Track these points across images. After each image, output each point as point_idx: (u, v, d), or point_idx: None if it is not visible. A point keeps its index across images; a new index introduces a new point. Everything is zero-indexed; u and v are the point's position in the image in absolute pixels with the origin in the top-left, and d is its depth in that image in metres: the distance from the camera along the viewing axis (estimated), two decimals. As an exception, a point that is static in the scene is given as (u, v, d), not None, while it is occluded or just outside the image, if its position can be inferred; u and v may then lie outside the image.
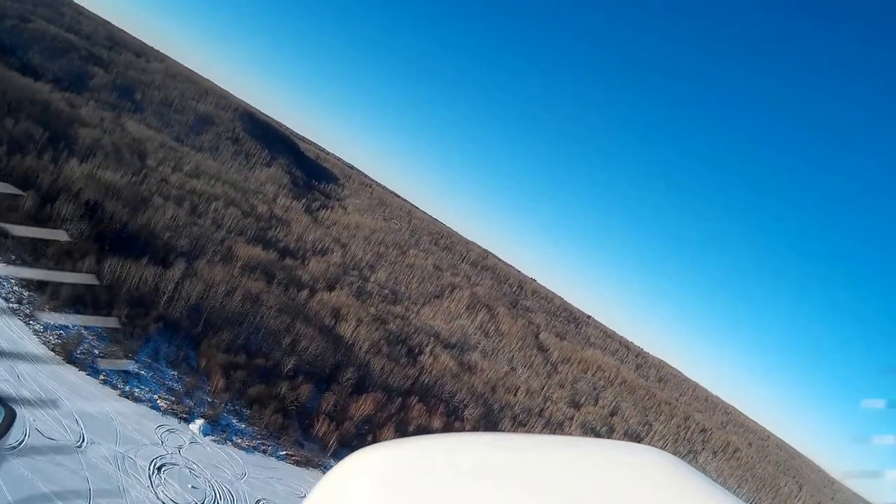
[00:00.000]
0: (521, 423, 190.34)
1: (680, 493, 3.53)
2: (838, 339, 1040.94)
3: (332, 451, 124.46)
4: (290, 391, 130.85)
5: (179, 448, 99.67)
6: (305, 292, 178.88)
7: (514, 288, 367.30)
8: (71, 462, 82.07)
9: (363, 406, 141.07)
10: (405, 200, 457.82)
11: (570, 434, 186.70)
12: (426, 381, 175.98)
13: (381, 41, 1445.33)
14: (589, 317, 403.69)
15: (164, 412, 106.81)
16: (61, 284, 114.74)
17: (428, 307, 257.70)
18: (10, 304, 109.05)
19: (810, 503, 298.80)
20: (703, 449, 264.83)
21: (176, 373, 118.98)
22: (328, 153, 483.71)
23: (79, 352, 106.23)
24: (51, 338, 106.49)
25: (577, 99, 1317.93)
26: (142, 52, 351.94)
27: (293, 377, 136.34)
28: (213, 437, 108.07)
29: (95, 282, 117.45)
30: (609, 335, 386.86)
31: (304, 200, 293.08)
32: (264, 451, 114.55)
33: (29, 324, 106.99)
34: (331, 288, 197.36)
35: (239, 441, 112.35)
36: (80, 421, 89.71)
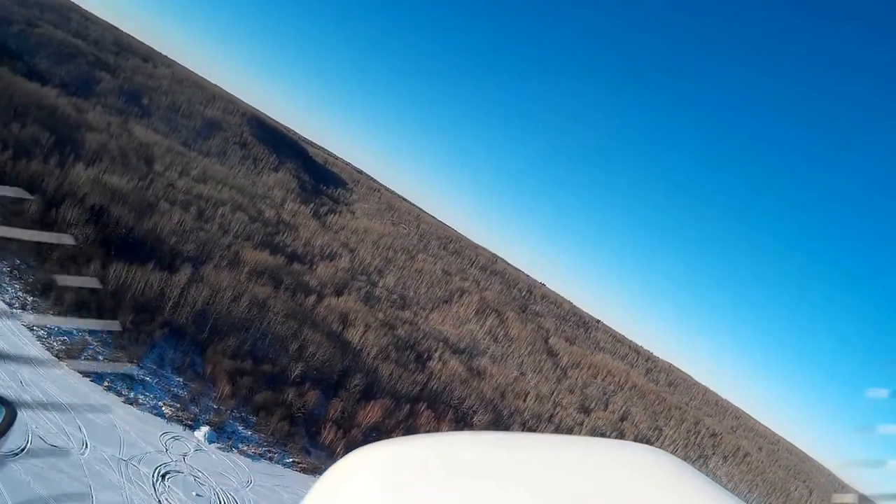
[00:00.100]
0: (530, 429, 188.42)
1: (680, 493, 3.50)
2: (845, 336, 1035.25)
3: (339, 458, 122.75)
4: (296, 398, 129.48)
5: (184, 455, 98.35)
6: (313, 297, 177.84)
7: (524, 293, 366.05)
8: (73, 469, 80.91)
9: (371, 413, 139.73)
10: (414, 205, 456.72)
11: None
12: (435, 386, 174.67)
13: (386, 45, 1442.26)
14: (598, 321, 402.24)
15: (169, 419, 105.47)
16: (66, 289, 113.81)
17: (437, 312, 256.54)
18: (14, 309, 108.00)
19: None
20: (714, 454, 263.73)
21: (181, 379, 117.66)
22: (336, 158, 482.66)
23: (83, 357, 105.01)
24: (55, 343, 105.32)
25: (582, 101, 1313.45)
26: (149, 57, 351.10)
27: (300, 383, 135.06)
28: (218, 445, 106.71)
29: (100, 286, 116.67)
30: (619, 339, 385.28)
31: (312, 205, 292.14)
32: (270, 459, 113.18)
33: (33, 329, 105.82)
34: (339, 293, 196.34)
35: (245, 448, 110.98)
36: (82, 427, 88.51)
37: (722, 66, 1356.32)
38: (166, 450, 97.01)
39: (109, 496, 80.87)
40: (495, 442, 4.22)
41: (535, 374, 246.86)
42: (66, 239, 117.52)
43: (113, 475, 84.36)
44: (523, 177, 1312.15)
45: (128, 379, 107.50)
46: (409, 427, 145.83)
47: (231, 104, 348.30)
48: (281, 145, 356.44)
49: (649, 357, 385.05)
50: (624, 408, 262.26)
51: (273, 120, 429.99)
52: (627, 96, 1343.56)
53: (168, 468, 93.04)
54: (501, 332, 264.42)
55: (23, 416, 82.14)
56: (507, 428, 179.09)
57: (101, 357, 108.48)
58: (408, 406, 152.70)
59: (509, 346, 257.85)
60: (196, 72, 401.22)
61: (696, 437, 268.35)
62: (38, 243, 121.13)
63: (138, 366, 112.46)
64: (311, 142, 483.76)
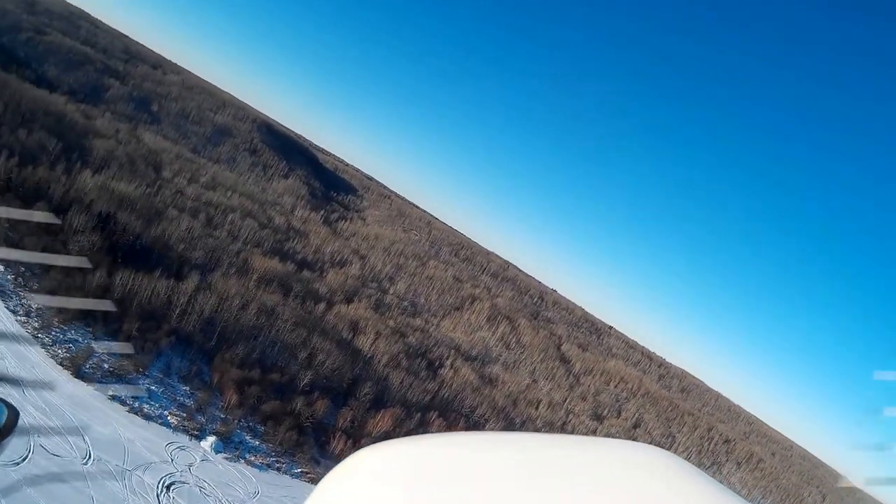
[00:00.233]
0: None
1: (684, 493, 3.47)
2: (857, 340, 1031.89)
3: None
4: (305, 407, 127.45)
5: (190, 466, 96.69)
6: (323, 305, 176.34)
7: (535, 299, 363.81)
8: (76, 480, 79.40)
9: (381, 422, 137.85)
10: (425, 211, 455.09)
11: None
12: (446, 395, 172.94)
13: (394, 51, 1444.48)
14: (611, 327, 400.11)
15: (175, 429, 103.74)
16: (71, 296, 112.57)
17: (448, 319, 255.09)
18: (18, 317, 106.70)
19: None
20: (727, 460, 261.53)
21: (188, 388, 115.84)
22: (347, 164, 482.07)
23: (87, 366, 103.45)
24: (59, 351, 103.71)
25: (590, 105, 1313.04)
26: (158, 64, 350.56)
27: (309, 392, 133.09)
28: (225, 455, 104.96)
29: (105, 292, 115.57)
30: (631, 346, 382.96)
31: (322, 212, 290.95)
32: (278, 469, 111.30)
33: (37, 337, 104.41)
34: (349, 300, 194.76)
35: (252, 458, 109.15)
36: (86, 437, 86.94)
37: (731, 63, 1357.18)
38: (171, 460, 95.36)
39: (113, 508, 79.70)
40: (499, 442, 4.20)
41: (547, 381, 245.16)
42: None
43: (116, 486, 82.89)
44: (534, 182, 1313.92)
45: (133, 387, 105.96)
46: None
47: (241, 110, 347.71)
48: (291, 152, 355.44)
49: (662, 363, 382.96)
50: (637, 415, 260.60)
51: (283, 126, 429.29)
52: (644, 103, 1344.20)
53: (173, 479, 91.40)
54: (513, 339, 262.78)
55: (25, 424, 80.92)
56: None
57: (106, 366, 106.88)
58: (419, 415, 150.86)
59: (521, 353, 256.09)
60: (206, 78, 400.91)
61: (709, 444, 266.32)
62: (45, 248, 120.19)
63: (144, 374, 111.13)
64: (322, 148, 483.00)
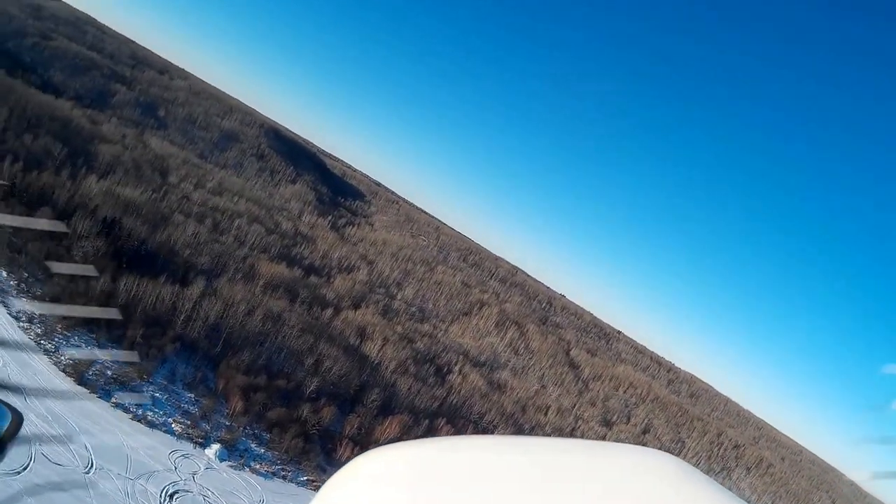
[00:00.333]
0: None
1: (689, 497, 3.50)
2: (867, 344, 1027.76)
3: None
4: (312, 414, 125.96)
5: (194, 474, 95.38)
6: (330, 311, 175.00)
7: (544, 304, 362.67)
8: (78, 489, 78.20)
9: (389, 429, 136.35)
10: (433, 217, 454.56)
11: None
12: (454, 401, 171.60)
13: (403, 56, 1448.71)
14: (619, 332, 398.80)
15: (179, 436, 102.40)
16: (75, 302, 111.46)
17: (456, 325, 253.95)
18: (21, 324, 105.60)
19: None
20: (737, 465, 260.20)
21: (192, 395, 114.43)
22: (355, 170, 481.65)
23: (90, 373, 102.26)
24: (61, 358, 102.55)
25: (601, 111, 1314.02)
26: (165, 69, 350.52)
27: (316, 399, 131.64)
28: (229, 463, 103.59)
29: (109, 299, 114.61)
30: (640, 350, 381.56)
31: (329, 217, 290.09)
32: (284, 477, 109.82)
33: (40, 343, 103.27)
34: (356, 306, 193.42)
35: (257, 466, 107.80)
36: (88, 445, 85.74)
37: (733, 63, 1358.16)
38: (175, 468, 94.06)
39: (115, 517, 78.62)
40: (503, 445, 4.22)
41: (556, 386, 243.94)
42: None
43: (119, 495, 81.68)
44: (542, 187, 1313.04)
45: (137, 394, 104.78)
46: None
47: (248, 116, 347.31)
48: (299, 157, 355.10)
49: (671, 368, 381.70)
50: (646, 420, 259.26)
51: (291, 132, 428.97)
52: (660, 107, 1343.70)
53: (176, 487, 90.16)
54: (522, 345, 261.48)
55: (26, 433, 79.75)
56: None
57: (109, 373, 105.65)
58: (427, 421, 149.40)
59: (530, 358, 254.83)
60: (213, 84, 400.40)
61: (719, 449, 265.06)
62: (49, 254, 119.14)
63: (148, 381, 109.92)
64: (330, 154, 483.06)
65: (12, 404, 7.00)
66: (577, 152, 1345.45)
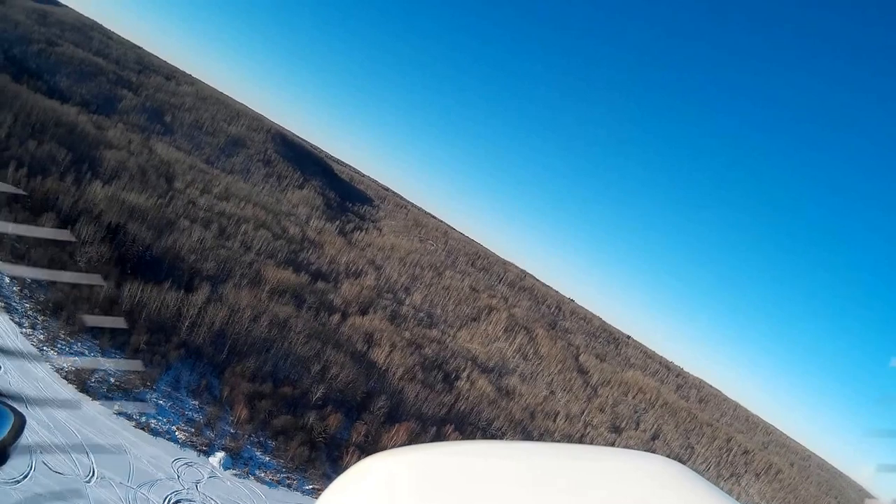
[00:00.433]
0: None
1: (686, 500, 3.62)
2: (877, 348, 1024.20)
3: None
4: (318, 421, 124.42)
5: (197, 483, 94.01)
6: (337, 317, 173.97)
7: (553, 309, 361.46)
8: (78, 498, 77.07)
9: (396, 436, 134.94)
10: (441, 221, 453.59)
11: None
12: (462, 408, 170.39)
13: (411, 62, 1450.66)
14: (628, 337, 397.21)
15: (183, 444, 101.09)
16: (78, 309, 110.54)
17: (465, 330, 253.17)
18: (24, 330, 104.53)
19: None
20: (746, 471, 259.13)
21: (197, 402, 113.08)
22: (363, 175, 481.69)
23: (93, 380, 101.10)
24: (64, 365, 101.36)
25: (607, 113, 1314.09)
26: (172, 74, 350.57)
27: (322, 406, 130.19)
28: (234, 471, 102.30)
29: (113, 305, 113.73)
30: (649, 355, 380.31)
31: (337, 222, 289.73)
32: (289, 486, 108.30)
33: (42, 350, 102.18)
34: (364, 312, 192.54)
35: (262, 475, 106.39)
36: (90, 454, 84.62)
37: (735, 64, 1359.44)
38: (178, 477, 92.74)
39: (116, 528, 77.50)
40: (505, 450, 4.36)
41: (565, 392, 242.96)
42: (77, 248, 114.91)
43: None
44: (551, 192, 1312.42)
45: (140, 402, 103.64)
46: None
47: (255, 121, 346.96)
48: (306, 162, 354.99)
49: (679, 373, 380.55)
50: (655, 426, 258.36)
51: (298, 137, 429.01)
52: (670, 117, 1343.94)
53: (179, 496, 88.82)
54: (531, 350, 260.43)
55: (27, 441, 78.54)
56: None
57: (112, 380, 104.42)
58: (434, 428, 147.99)
59: (539, 364, 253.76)
60: (220, 89, 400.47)
61: (728, 455, 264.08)
62: (51, 261, 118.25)
63: (152, 388, 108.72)
64: (337, 159, 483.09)
65: (15, 407, 6.77)
66: (585, 156, 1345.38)
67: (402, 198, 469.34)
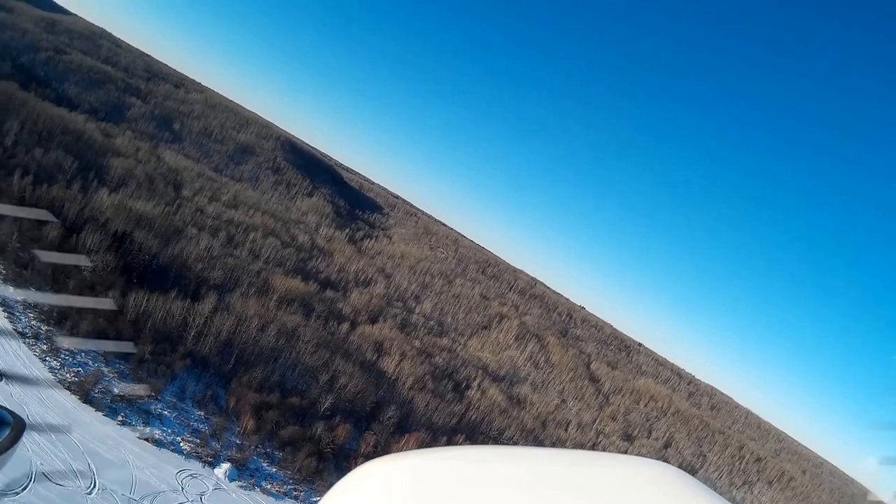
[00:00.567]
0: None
1: None
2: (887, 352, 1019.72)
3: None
4: (326, 432, 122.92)
5: (201, 495, 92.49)
6: (346, 325, 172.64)
7: (564, 316, 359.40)
8: (80, 511, 75.81)
9: (405, 446, 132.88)
10: (451, 229, 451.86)
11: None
12: (473, 417, 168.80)
13: (419, 68, 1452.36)
14: (640, 344, 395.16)
15: (188, 455, 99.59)
16: (82, 318, 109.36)
17: (475, 338, 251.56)
18: (27, 339, 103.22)
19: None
20: (759, 479, 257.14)
21: (202, 413, 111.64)
22: (373, 182, 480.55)
23: (97, 390, 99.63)
24: (67, 375, 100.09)
25: (621, 123, 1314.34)
26: (181, 82, 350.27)
27: (330, 417, 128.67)
28: (239, 483, 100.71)
29: (118, 315, 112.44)
30: (660, 362, 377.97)
31: (347, 230, 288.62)
32: (296, 497, 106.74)
33: (45, 360, 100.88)
34: (373, 320, 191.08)
35: (268, 486, 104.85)
36: (92, 465, 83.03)
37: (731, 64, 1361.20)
38: (182, 489, 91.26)
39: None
40: (504, 456, 4.42)
41: (576, 401, 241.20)
42: (83, 261, 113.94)
43: (122, 518, 79.14)
44: (562, 200, 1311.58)
45: (144, 413, 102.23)
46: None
47: (265, 129, 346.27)
48: (315, 170, 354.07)
49: (691, 380, 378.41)
50: (667, 434, 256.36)
51: (308, 145, 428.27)
52: (683, 122, 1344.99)
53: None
54: (542, 358, 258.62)
55: (27, 451, 77.40)
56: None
57: (116, 390, 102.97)
58: (445, 438, 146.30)
59: (550, 372, 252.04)
60: (229, 97, 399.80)
61: (740, 463, 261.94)
62: (55, 269, 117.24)
63: (156, 399, 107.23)
64: (347, 167, 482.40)
65: (14, 412, 6.77)
66: (597, 164, 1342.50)
67: (411, 205, 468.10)
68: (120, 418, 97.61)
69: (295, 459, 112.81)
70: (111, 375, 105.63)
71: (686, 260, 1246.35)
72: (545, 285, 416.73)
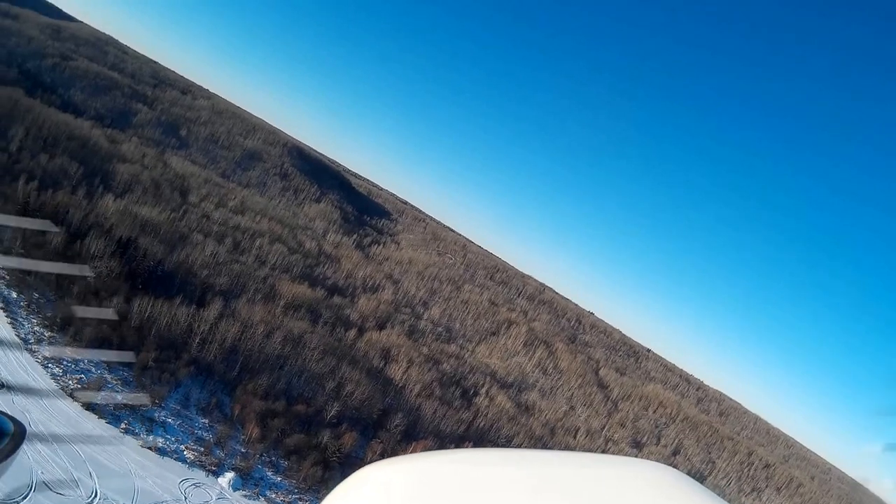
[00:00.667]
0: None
1: None
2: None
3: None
4: (332, 440, 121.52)
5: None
6: (353, 332, 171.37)
7: (573, 322, 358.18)
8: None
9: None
10: (460, 234, 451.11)
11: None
12: (481, 424, 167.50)
13: (426, 75, 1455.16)
14: (649, 350, 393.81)
15: (191, 464, 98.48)
16: (85, 325, 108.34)
17: (484, 345, 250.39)
18: (29, 346, 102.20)
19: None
20: (767, 486, 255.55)
21: (207, 421, 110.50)
22: (381, 188, 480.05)
23: (99, 398, 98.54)
24: (70, 382, 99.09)
25: (630, 128, 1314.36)
26: (188, 89, 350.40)
27: (337, 424, 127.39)
28: (244, 492, 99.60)
29: (122, 322, 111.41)
30: (669, 368, 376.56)
31: (354, 236, 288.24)
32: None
33: (47, 367, 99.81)
34: (381, 327, 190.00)
35: (273, 496, 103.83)
36: (93, 474, 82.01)
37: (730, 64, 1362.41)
38: (185, 498, 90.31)
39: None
40: (504, 458, 4.50)
41: (585, 407, 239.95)
42: (87, 270, 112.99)
43: (123, 528, 78.07)
44: (571, 205, 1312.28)
45: (147, 421, 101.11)
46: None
47: (272, 135, 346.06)
48: (323, 176, 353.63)
49: (700, 385, 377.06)
50: (676, 441, 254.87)
51: (315, 151, 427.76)
52: (694, 127, 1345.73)
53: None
54: (550, 365, 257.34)
55: (28, 459, 76.38)
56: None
57: (119, 397, 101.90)
58: (452, 446, 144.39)
59: (558, 378, 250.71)
60: (236, 103, 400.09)
61: (749, 469, 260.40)
62: (59, 276, 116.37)
63: (160, 406, 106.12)
64: (355, 172, 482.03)
65: (15, 418, 6.71)
66: (607, 169, 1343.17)
67: (420, 211, 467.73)
68: (123, 426, 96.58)
69: (300, 468, 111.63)
70: (114, 382, 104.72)
71: (692, 265, 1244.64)
72: (554, 291, 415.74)
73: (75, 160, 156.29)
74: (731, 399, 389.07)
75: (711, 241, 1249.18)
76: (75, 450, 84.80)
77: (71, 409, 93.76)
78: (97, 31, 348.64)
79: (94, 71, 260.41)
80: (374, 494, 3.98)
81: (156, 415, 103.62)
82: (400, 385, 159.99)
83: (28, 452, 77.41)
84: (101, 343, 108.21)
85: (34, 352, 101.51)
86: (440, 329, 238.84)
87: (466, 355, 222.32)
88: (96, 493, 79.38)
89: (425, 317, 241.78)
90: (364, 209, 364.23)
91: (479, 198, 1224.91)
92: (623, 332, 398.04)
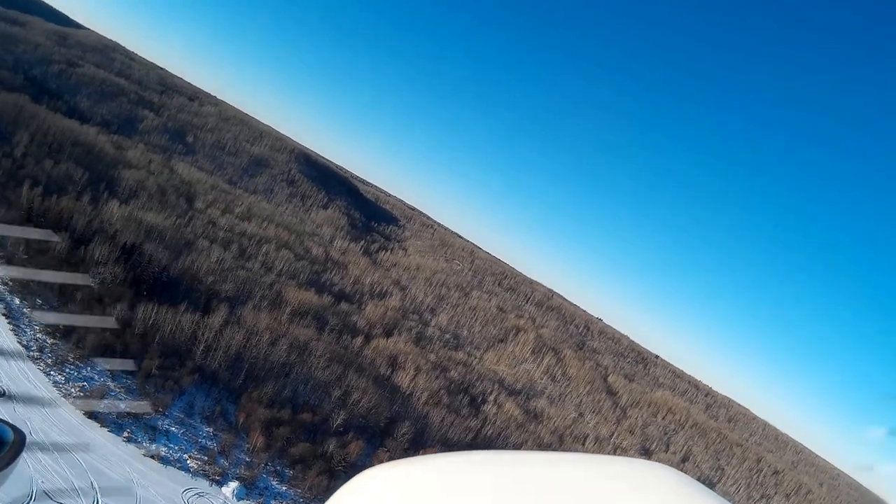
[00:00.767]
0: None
1: None
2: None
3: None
4: (338, 448, 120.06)
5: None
6: (360, 339, 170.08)
7: (581, 329, 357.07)
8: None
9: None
10: (468, 241, 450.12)
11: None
12: (489, 432, 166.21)
13: (432, 80, 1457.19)
14: (657, 356, 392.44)
15: (195, 473, 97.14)
16: (88, 332, 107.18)
17: (492, 352, 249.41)
18: (31, 353, 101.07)
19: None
20: (776, 493, 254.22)
21: (211, 429, 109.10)
22: (389, 195, 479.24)
23: (102, 406, 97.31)
24: (72, 390, 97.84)
25: (639, 134, 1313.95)
26: (195, 95, 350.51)
27: (343, 433, 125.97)
28: (248, 502, 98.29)
29: (125, 329, 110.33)
30: (678, 374, 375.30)
31: (362, 242, 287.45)
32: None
33: (49, 374, 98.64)
34: (388, 334, 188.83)
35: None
36: (95, 483, 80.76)
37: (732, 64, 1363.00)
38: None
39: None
40: (502, 461, 4.42)
41: (594, 414, 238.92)
42: (87, 279, 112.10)
43: (125, 539, 76.87)
44: (580, 212, 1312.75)
45: (150, 429, 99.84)
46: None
47: (279, 141, 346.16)
48: (331, 182, 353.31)
49: (708, 392, 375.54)
50: (685, 447, 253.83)
51: (322, 157, 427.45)
52: (705, 134, 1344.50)
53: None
54: (559, 371, 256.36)
55: (29, 468, 75.22)
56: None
57: (122, 405, 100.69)
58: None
59: (567, 385, 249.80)
60: (243, 110, 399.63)
61: (758, 476, 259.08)
62: (63, 284, 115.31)
63: (164, 415, 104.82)
64: (363, 179, 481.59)
65: (15, 425, 6.48)
66: (614, 175, 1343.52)
67: (428, 217, 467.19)
68: (125, 434, 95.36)
69: (305, 477, 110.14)
70: (117, 390, 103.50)
71: (703, 272, 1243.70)
72: (562, 297, 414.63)
73: (80, 166, 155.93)
74: (739, 405, 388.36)
75: (715, 247, 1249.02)
76: (76, 458, 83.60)
77: (73, 417, 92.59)
78: (104, 37, 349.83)
79: (101, 77, 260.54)
80: (375, 497, 3.93)
81: (159, 423, 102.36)
82: (407, 393, 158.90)
83: (28, 461, 76.33)
84: (104, 350, 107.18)
85: (36, 359, 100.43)
86: (448, 336, 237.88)
87: (474, 362, 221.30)
88: (97, 502, 78.20)
89: (433, 323, 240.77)
90: (372, 215, 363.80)
91: (487, 204, 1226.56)
92: (631, 338, 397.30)
